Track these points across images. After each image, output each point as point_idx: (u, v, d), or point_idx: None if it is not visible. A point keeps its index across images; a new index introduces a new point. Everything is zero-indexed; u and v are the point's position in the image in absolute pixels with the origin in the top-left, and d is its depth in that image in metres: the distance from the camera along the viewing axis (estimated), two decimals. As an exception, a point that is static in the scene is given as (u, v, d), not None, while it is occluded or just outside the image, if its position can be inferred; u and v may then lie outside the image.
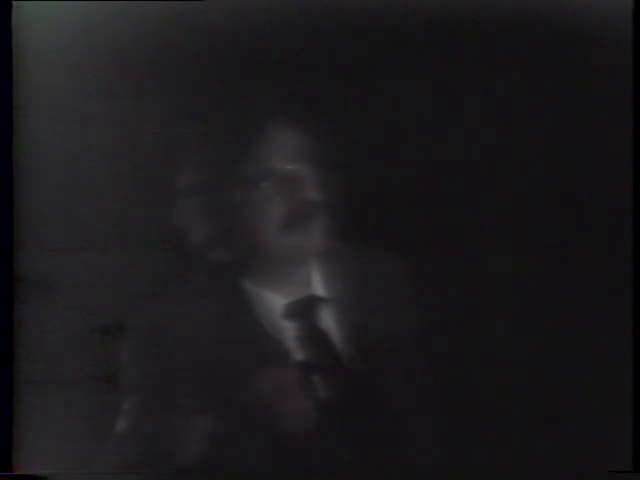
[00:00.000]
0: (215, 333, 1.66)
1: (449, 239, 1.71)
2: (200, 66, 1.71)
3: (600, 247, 1.72)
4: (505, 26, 1.72)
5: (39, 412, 1.70)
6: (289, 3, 1.72)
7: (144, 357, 1.66)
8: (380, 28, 1.72)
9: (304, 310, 1.67)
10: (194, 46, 1.72)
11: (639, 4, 1.73)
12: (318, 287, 1.69)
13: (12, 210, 1.71)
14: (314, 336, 1.67)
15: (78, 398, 1.69)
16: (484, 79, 1.72)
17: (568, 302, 1.72)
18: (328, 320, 1.69)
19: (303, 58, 1.71)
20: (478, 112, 1.72)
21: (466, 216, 1.72)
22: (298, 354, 1.66)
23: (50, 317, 1.70)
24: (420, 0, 1.72)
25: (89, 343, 1.70)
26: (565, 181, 1.73)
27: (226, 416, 1.65)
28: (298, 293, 1.68)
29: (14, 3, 1.72)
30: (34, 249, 1.71)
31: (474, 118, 1.72)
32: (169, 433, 1.64)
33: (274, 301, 1.67)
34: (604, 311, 1.72)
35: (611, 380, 1.71)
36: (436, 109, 1.72)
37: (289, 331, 1.66)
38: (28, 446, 1.70)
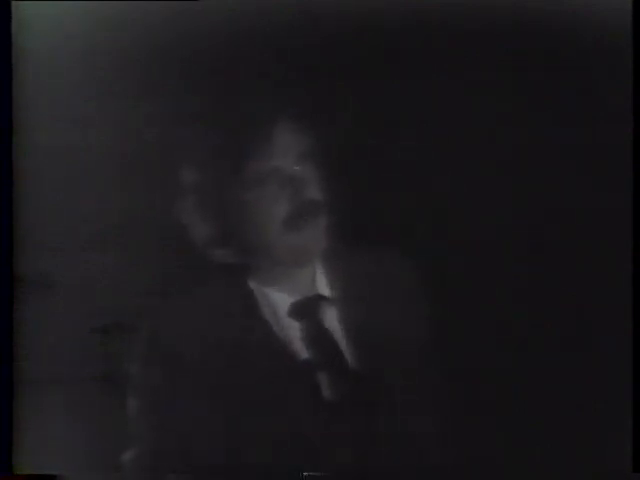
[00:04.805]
0: (219, 332, 1.66)
1: (453, 239, 1.72)
2: (200, 66, 1.72)
3: (600, 247, 1.72)
4: (505, 26, 1.72)
5: (39, 412, 1.70)
6: (288, 3, 1.72)
7: (146, 357, 1.66)
8: (380, 28, 1.72)
9: (309, 309, 1.67)
10: (194, 46, 1.72)
11: (639, 4, 1.73)
12: (323, 287, 1.69)
13: (12, 210, 1.71)
14: (319, 335, 1.67)
15: (78, 398, 1.69)
16: (484, 79, 1.72)
17: (568, 302, 1.72)
18: (333, 320, 1.69)
19: (303, 58, 1.71)
20: (478, 113, 1.72)
21: (468, 216, 1.72)
22: (303, 353, 1.67)
23: (50, 317, 1.70)
24: (420, 0, 1.73)
25: (89, 343, 1.70)
26: (565, 181, 1.73)
27: (229, 415, 1.65)
28: (303, 293, 1.68)
29: (14, 3, 1.72)
30: (34, 249, 1.71)
31: (474, 119, 1.72)
32: (176, 432, 1.65)
33: (280, 300, 1.67)
34: (604, 311, 1.72)
35: (611, 380, 1.71)
36: (437, 109, 1.72)
37: (294, 330, 1.67)
38: (28, 446, 1.71)
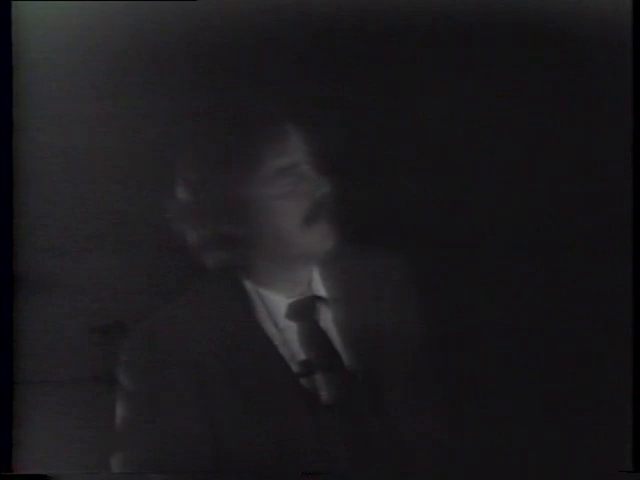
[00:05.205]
0: (218, 333, 1.66)
1: (451, 240, 1.72)
2: (199, 66, 1.72)
3: (600, 247, 1.72)
4: (505, 26, 1.72)
5: (39, 412, 1.70)
6: (287, 3, 1.72)
7: (144, 357, 1.66)
8: (381, 28, 1.72)
9: (306, 310, 1.68)
10: (194, 46, 1.72)
11: (639, 4, 1.73)
12: (319, 287, 1.69)
13: (12, 210, 1.71)
14: (315, 336, 1.67)
15: (78, 398, 1.69)
16: (483, 79, 1.72)
17: (568, 303, 1.72)
18: (329, 320, 1.69)
19: (302, 58, 1.71)
20: (478, 112, 1.72)
21: (466, 217, 1.72)
22: (300, 354, 1.67)
23: (50, 317, 1.70)
24: (420, 0, 1.73)
25: (89, 343, 1.70)
26: (565, 181, 1.73)
27: (227, 416, 1.65)
28: (300, 293, 1.68)
29: (14, 3, 1.72)
30: (34, 249, 1.71)
31: (474, 118, 1.72)
32: (170, 433, 1.65)
33: (277, 301, 1.67)
34: (604, 311, 1.72)
35: (611, 380, 1.71)
36: (438, 108, 1.72)
37: (291, 331, 1.67)
38: (28, 446, 1.70)
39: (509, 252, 1.72)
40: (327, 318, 1.69)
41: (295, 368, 1.66)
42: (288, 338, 1.66)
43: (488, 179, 1.72)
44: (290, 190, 1.64)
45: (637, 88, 1.73)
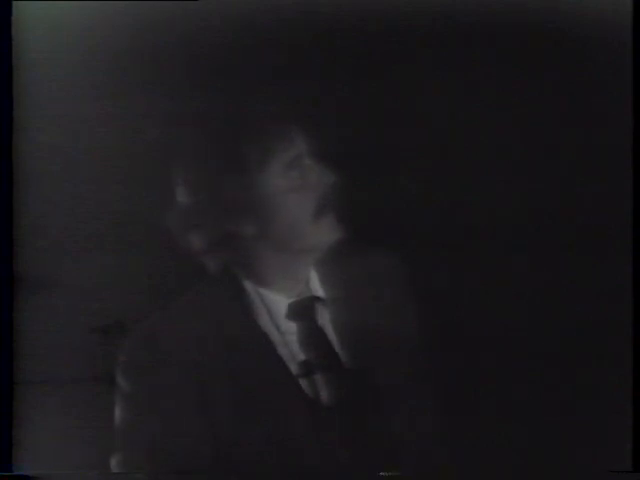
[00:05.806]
0: (218, 333, 1.66)
1: (451, 240, 1.72)
2: (199, 66, 1.72)
3: (600, 247, 1.72)
4: (505, 26, 1.72)
5: (39, 412, 1.70)
6: (287, 3, 1.72)
7: (144, 357, 1.66)
8: (381, 28, 1.72)
9: (304, 310, 1.67)
10: (194, 46, 1.72)
11: (639, 4, 1.73)
12: (317, 287, 1.69)
13: (12, 210, 1.71)
14: (315, 336, 1.67)
15: (78, 398, 1.69)
16: (483, 79, 1.72)
17: (568, 303, 1.72)
18: (327, 320, 1.69)
19: (302, 56, 1.71)
20: (478, 112, 1.72)
21: (466, 217, 1.72)
22: (299, 354, 1.67)
23: (50, 317, 1.70)
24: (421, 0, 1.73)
25: (89, 343, 1.70)
26: (565, 181, 1.73)
27: (227, 416, 1.65)
28: (299, 293, 1.68)
29: (14, 3, 1.72)
30: (34, 249, 1.71)
31: (474, 118, 1.72)
32: (171, 433, 1.65)
33: (277, 301, 1.67)
34: (604, 311, 1.72)
35: (611, 380, 1.71)
36: (438, 108, 1.72)
37: (290, 330, 1.67)
38: (28, 446, 1.70)
39: (509, 252, 1.72)
40: (326, 318, 1.69)
41: (295, 368, 1.66)
42: (288, 338, 1.66)
43: (488, 179, 1.72)
44: (296, 184, 1.63)
45: (637, 88, 1.73)
